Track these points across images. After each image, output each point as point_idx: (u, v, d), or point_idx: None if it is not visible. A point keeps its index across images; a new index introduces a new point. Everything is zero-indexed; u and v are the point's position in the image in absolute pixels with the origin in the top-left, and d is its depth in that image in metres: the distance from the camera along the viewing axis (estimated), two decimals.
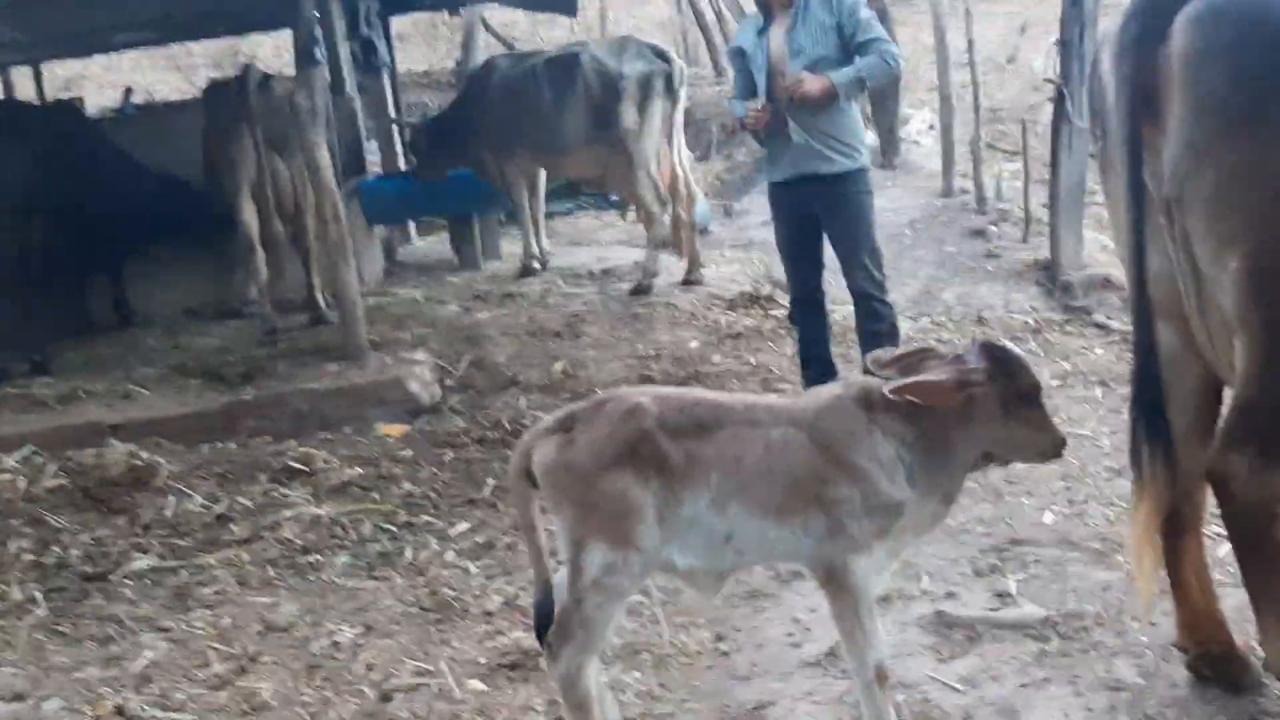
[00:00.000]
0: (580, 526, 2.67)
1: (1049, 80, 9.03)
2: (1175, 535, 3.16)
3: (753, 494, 2.69)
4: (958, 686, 3.34)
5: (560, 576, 2.81)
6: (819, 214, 5.68)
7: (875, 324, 5.76)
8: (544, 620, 2.82)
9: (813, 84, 5.36)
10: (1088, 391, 6.11)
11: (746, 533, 2.71)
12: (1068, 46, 7.87)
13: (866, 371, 2.99)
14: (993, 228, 9.49)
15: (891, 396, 2.66)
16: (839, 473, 2.69)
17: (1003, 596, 3.87)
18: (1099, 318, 7.70)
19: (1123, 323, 7.09)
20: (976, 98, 10.44)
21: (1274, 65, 2.68)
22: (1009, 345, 2.83)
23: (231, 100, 7.75)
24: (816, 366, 5.89)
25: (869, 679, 2.73)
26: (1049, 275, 8.39)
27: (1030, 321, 7.77)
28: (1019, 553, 4.22)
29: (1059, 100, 8.08)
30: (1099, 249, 8.23)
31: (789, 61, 5.48)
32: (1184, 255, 2.86)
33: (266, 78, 7.91)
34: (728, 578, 2.88)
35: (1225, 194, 2.73)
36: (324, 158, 6.83)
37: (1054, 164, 8.27)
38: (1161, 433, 2.96)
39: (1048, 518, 4.52)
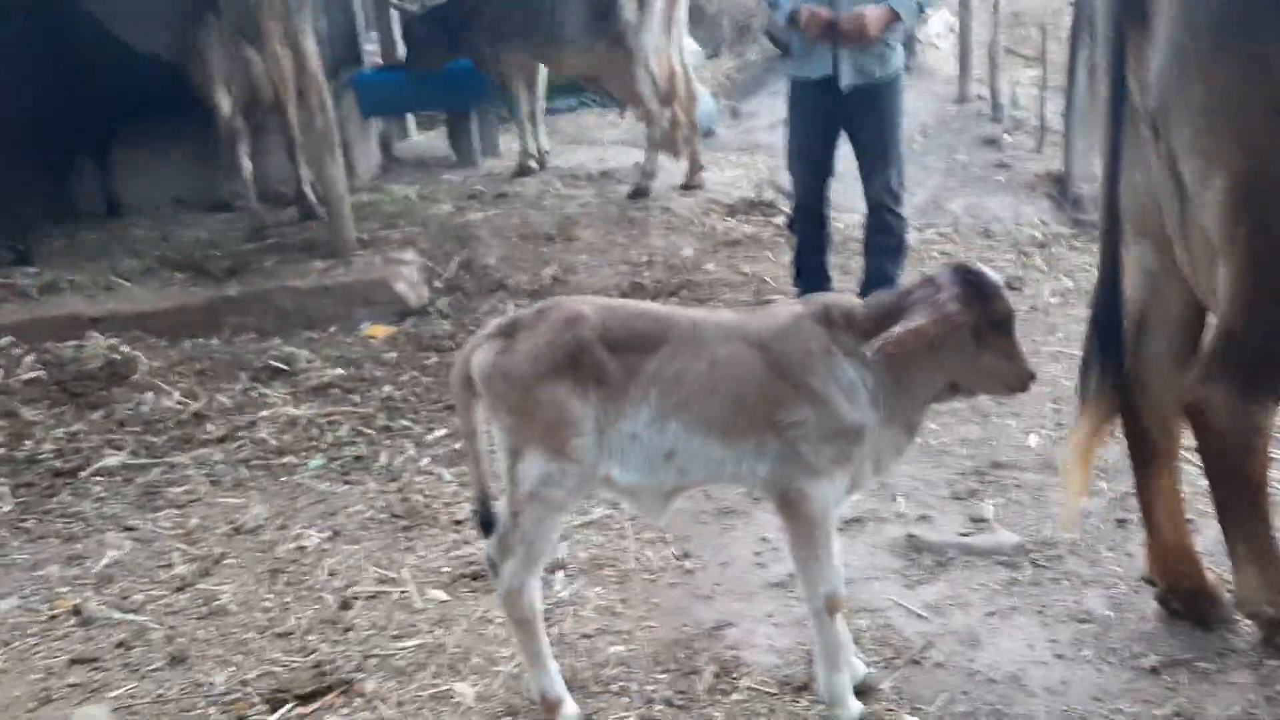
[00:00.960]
0: (517, 436, 2.58)
1: None
2: (1149, 466, 3.06)
3: (695, 412, 2.57)
4: (922, 613, 3.27)
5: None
6: (847, 119, 5.43)
7: (885, 238, 5.59)
8: (487, 530, 2.75)
9: (874, 25, 5.08)
10: (1087, 311, 5.94)
11: (689, 451, 2.60)
12: None
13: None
14: (1006, 137, 9.23)
15: (874, 357, 2.51)
16: (794, 395, 2.56)
17: (978, 522, 3.78)
18: None
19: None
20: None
21: None
22: (984, 270, 2.67)
23: None
24: (811, 277, 5.72)
25: (819, 608, 2.65)
26: (1060, 188, 8.17)
27: (1038, 235, 7.60)
28: (999, 476, 4.13)
29: (1079, 4, 7.75)
30: None
31: None
32: (1168, 172, 2.69)
33: None
34: (674, 498, 2.78)
35: (1214, 109, 2.55)
36: (310, 46, 6.60)
37: (1071, 71, 7.89)
38: (1113, 353, 2.84)
39: (1033, 440, 4.42)
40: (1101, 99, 2.74)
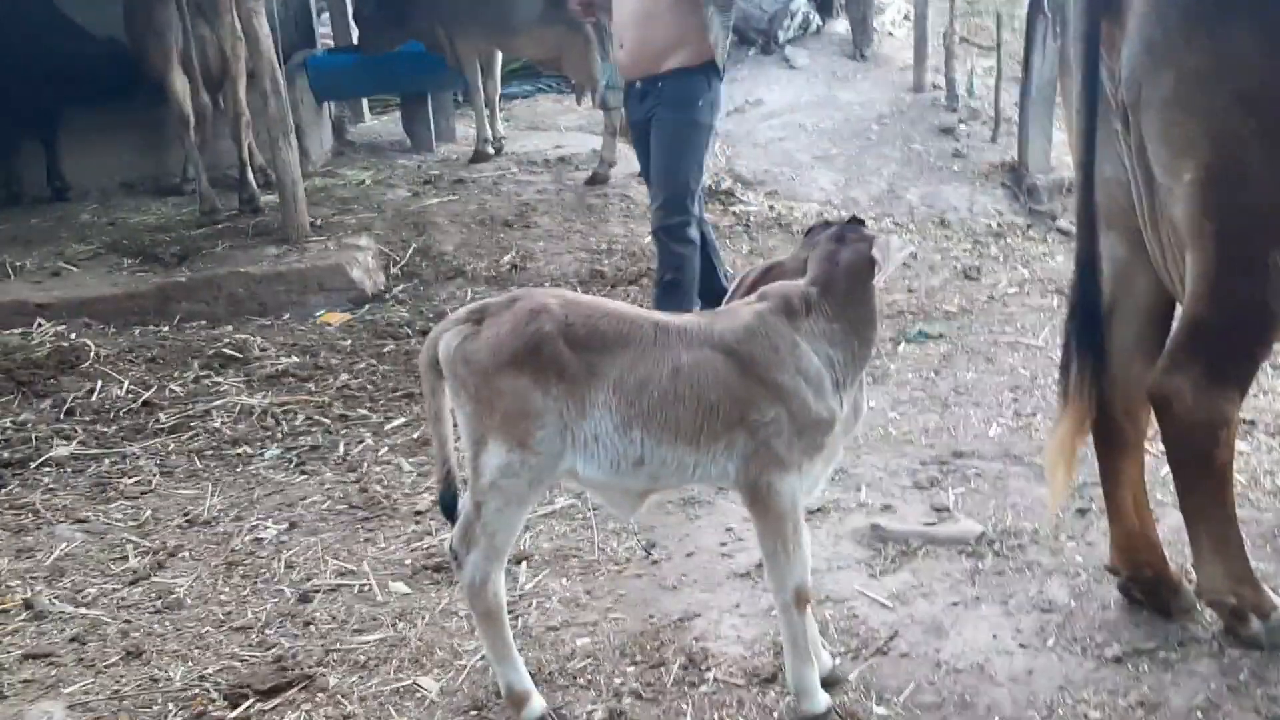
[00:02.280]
0: (478, 424, 2.54)
1: None
2: (1114, 454, 3.08)
3: (661, 422, 2.54)
4: (887, 603, 3.27)
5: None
6: (646, 130, 4.91)
7: (661, 270, 4.98)
8: (449, 513, 2.72)
9: None
10: (1043, 300, 6.01)
11: (658, 459, 2.58)
12: None
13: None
14: (962, 126, 9.27)
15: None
16: (765, 394, 2.55)
17: (940, 511, 3.79)
18: (1063, 223, 7.58)
19: None
20: None
21: None
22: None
23: None
24: (716, 300, 4.90)
25: (788, 600, 2.63)
26: (1015, 177, 8.24)
27: (993, 225, 7.66)
28: (960, 465, 4.15)
29: None
30: (1068, 151, 8.04)
31: None
32: (1138, 163, 2.71)
33: None
34: (646, 497, 2.75)
35: (1183, 98, 2.57)
36: (263, 27, 6.48)
37: (1026, 61, 8.04)
38: (1093, 347, 2.86)
39: (993, 430, 4.44)
40: (1074, 91, 2.75)
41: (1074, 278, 2.97)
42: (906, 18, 11.68)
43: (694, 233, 4.87)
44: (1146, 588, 3.14)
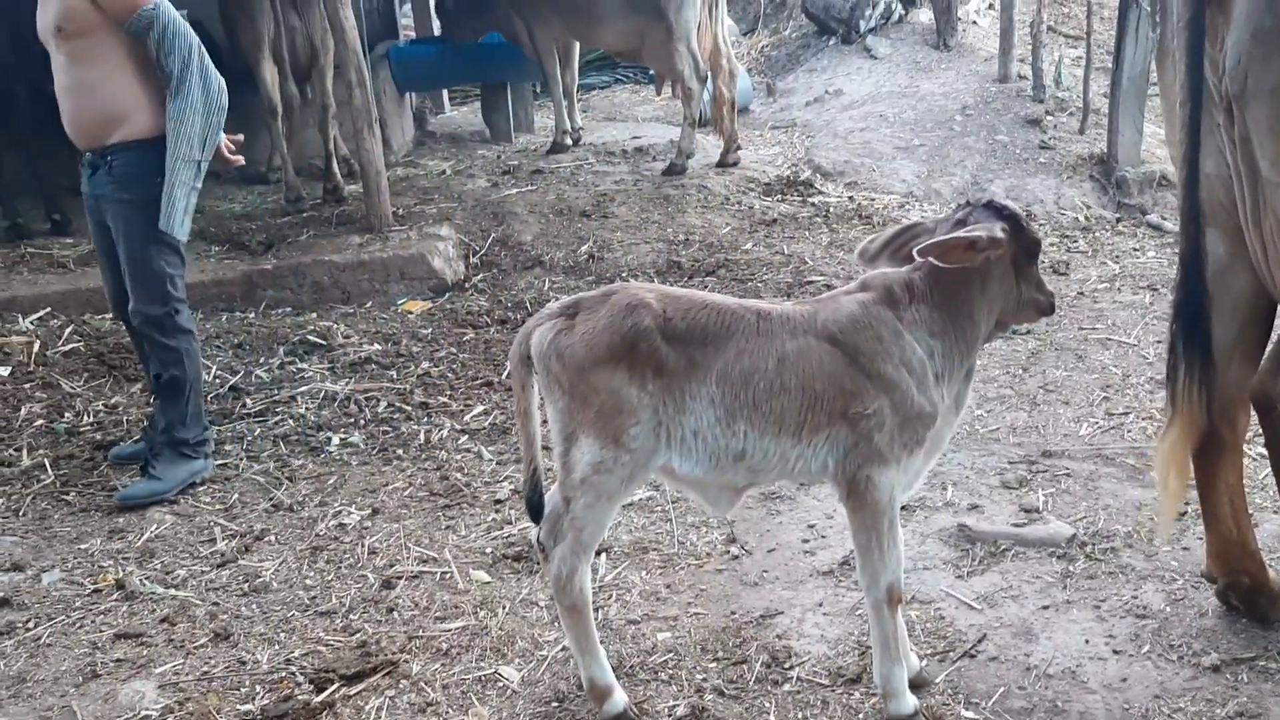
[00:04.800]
0: (571, 419, 2.53)
1: None
2: (1211, 458, 2.97)
3: (766, 413, 2.50)
4: (975, 605, 3.21)
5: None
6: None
7: (157, 367, 4.30)
8: (535, 514, 2.71)
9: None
10: (1135, 296, 5.85)
11: (761, 452, 2.54)
12: None
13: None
14: (1049, 117, 9.08)
15: (920, 259, 2.50)
16: (869, 386, 2.50)
17: (1029, 512, 3.71)
18: (1153, 218, 7.38)
19: (1177, 224, 6.79)
20: None
21: None
22: (1010, 202, 2.67)
23: None
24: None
25: (880, 599, 2.59)
26: (1104, 170, 8.03)
27: (1081, 219, 7.48)
28: (1050, 465, 4.05)
29: None
30: (1159, 144, 7.83)
31: None
32: (1243, 157, 2.60)
33: None
34: (744, 493, 2.72)
35: None
36: (349, 18, 6.54)
37: (1118, 51, 7.81)
38: (1202, 349, 2.76)
39: (1084, 429, 4.33)
40: (1176, 81, 2.65)
41: (1178, 277, 2.87)
42: (991, 6, 11.46)
43: (186, 320, 4.31)
44: (1244, 595, 3.04)
